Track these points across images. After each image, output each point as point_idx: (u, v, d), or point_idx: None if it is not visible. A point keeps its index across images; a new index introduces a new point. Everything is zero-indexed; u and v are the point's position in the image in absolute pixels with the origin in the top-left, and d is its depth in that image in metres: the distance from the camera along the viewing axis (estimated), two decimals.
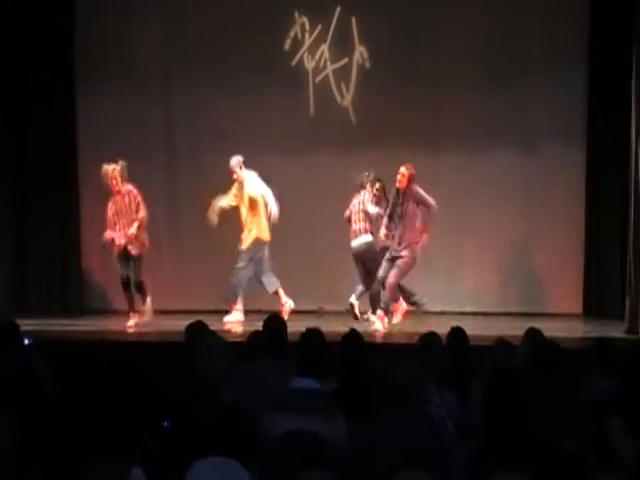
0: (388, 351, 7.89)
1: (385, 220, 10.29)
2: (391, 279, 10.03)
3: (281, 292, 10.89)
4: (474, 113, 11.91)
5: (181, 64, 12.30)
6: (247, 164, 10.89)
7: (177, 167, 12.44)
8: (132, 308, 10.57)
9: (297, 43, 12.29)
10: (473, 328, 7.42)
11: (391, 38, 12.00)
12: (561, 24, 11.85)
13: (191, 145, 12.34)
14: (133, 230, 10.28)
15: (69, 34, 12.13)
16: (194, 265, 12.13)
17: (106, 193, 10.44)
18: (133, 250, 10.36)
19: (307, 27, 12.26)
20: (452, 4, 12.01)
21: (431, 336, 5.82)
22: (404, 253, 10.02)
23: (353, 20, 12.15)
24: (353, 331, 5.99)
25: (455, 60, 11.93)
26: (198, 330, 6.16)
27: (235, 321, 10.62)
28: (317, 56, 12.26)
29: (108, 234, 10.41)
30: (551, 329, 7.63)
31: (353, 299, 10.68)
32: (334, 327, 7.96)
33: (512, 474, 4.08)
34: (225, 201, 10.92)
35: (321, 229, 11.74)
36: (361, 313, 10.73)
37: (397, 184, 10.12)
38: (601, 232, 11.86)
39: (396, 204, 10.16)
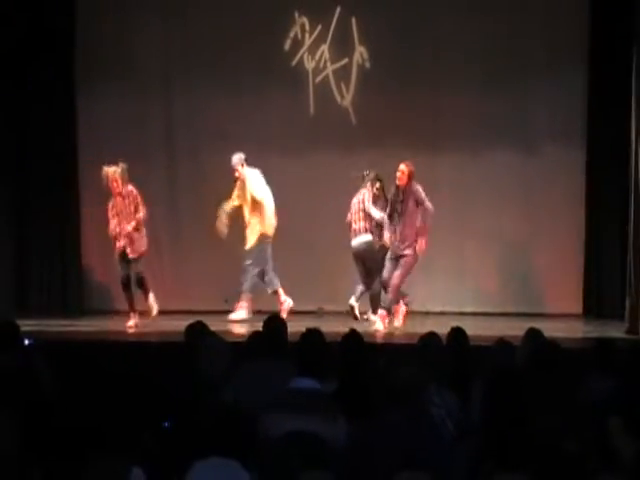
0: (388, 351, 7.88)
1: (386, 222, 10.28)
2: (395, 280, 10.03)
3: (280, 291, 10.89)
4: (474, 113, 11.90)
5: (181, 64, 12.31)
6: (248, 164, 10.90)
7: (177, 167, 12.43)
8: (132, 308, 10.56)
9: (297, 43, 12.29)
10: (473, 328, 7.42)
11: (391, 38, 12.00)
12: (561, 24, 11.85)
13: (191, 145, 12.34)
14: (130, 228, 10.26)
15: (69, 34, 12.13)
16: (194, 265, 12.13)
17: (106, 193, 10.43)
18: (131, 253, 10.34)
19: (307, 27, 12.26)
20: (452, 4, 12.01)
21: (431, 336, 5.82)
22: (407, 252, 10.03)
23: (353, 20, 12.15)
24: (353, 331, 6.00)
25: (455, 60, 11.93)
26: (198, 330, 6.16)
27: (239, 319, 10.60)
28: (317, 56, 12.25)
29: (112, 228, 10.36)
30: (551, 329, 7.62)
31: (353, 301, 10.68)
32: (334, 327, 7.97)
33: (512, 474, 4.08)
34: (229, 205, 10.91)
35: (321, 229, 11.74)
36: (361, 313, 10.73)
37: (397, 181, 10.12)
38: (601, 232, 11.85)
39: (396, 201, 10.16)
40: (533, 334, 6.19)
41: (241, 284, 10.85)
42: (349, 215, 10.81)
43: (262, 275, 10.90)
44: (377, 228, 10.72)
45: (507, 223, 11.96)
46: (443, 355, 5.69)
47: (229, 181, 11.02)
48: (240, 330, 9.80)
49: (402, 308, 10.36)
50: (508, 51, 11.94)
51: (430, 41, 12.05)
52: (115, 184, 10.22)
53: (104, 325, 10.74)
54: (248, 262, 10.84)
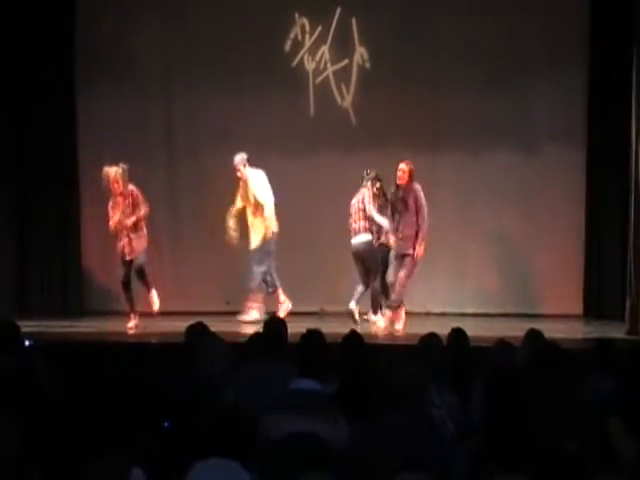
0: (389, 352, 7.88)
1: (390, 225, 10.29)
2: (402, 280, 10.05)
3: (280, 292, 10.87)
4: (474, 113, 11.90)
5: (181, 64, 12.31)
6: (249, 164, 10.89)
7: (177, 167, 12.43)
8: (132, 309, 10.55)
9: (297, 44, 12.29)
10: (474, 329, 7.41)
11: (391, 39, 11.99)
12: (561, 24, 11.84)
13: (191, 145, 12.34)
14: (130, 222, 10.22)
15: (69, 34, 12.13)
16: (194, 265, 12.12)
17: (107, 193, 10.41)
18: (129, 254, 10.31)
19: (307, 28, 12.25)
20: (452, 4, 12.00)
21: (432, 337, 5.82)
22: (410, 251, 10.04)
23: (353, 21, 12.14)
24: (353, 332, 6.00)
25: (455, 60, 11.92)
26: (198, 331, 6.16)
27: (252, 320, 10.54)
28: (317, 57, 12.25)
29: (113, 223, 10.34)
30: (552, 330, 7.63)
31: (352, 305, 10.50)
32: (334, 328, 7.94)
33: (512, 475, 4.07)
34: (234, 209, 10.89)
35: (321, 230, 11.73)
36: (361, 314, 10.70)
37: (398, 180, 10.12)
38: (602, 232, 11.85)
39: (396, 200, 10.17)
40: (533, 335, 6.19)
41: (249, 284, 10.82)
42: (350, 219, 10.75)
43: (265, 274, 10.89)
44: (377, 227, 10.70)
45: (507, 223, 11.95)
46: (443, 356, 5.70)
47: (229, 181, 11.02)
48: (243, 331, 9.78)
49: (402, 312, 10.32)
50: (508, 51, 11.94)
51: (430, 41, 12.05)
52: (116, 185, 10.21)
53: (104, 326, 10.73)
54: (254, 262, 10.81)
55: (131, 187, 10.29)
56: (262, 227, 10.84)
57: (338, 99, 12.26)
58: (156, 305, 10.50)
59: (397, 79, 11.97)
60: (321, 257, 11.74)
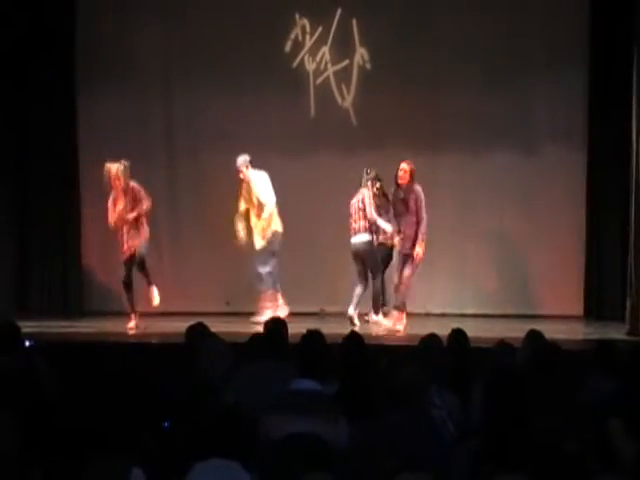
0: (389, 353, 7.88)
1: (393, 227, 10.30)
2: (407, 280, 10.05)
3: (279, 296, 10.85)
4: (474, 113, 11.90)
5: (181, 64, 12.31)
6: (251, 166, 10.88)
7: (177, 167, 12.43)
8: (133, 309, 10.54)
9: (298, 45, 12.28)
10: (474, 330, 7.42)
11: (391, 39, 11.99)
12: (561, 24, 11.84)
13: (191, 145, 12.34)
14: (131, 217, 10.21)
15: (70, 34, 12.13)
16: (194, 265, 12.12)
17: (107, 190, 10.35)
18: (127, 251, 10.29)
19: (308, 29, 12.25)
20: (452, 4, 12.01)
21: (432, 338, 5.82)
22: (412, 251, 10.04)
23: (354, 22, 12.14)
24: (354, 333, 6.01)
25: (455, 60, 11.92)
26: (199, 332, 6.16)
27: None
28: (318, 58, 12.24)
29: (112, 217, 10.32)
30: (552, 331, 7.61)
31: (351, 310, 10.40)
32: (335, 329, 7.95)
33: (513, 475, 4.07)
34: (240, 212, 10.87)
35: (321, 231, 11.73)
36: (362, 315, 10.66)
37: (399, 180, 10.11)
38: (602, 233, 11.84)
39: (396, 200, 10.17)
40: (534, 336, 6.19)
41: (259, 286, 10.81)
42: (351, 220, 10.73)
43: (270, 275, 10.87)
44: (376, 227, 10.69)
45: (507, 224, 11.95)
46: (444, 356, 5.70)
47: (229, 181, 11.02)
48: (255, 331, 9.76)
49: (403, 315, 10.31)
50: (508, 51, 11.94)
51: (430, 41, 12.05)
52: (118, 182, 10.19)
53: (104, 326, 10.73)
54: (259, 263, 10.80)
55: (132, 184, 10.27)
56: (265, 224, 10.84)
57: (338, 99, 12.26)
58: (156, 300, 10.48)
59: (397, 79, 11.97)
60: (321, 257, 11.74)
